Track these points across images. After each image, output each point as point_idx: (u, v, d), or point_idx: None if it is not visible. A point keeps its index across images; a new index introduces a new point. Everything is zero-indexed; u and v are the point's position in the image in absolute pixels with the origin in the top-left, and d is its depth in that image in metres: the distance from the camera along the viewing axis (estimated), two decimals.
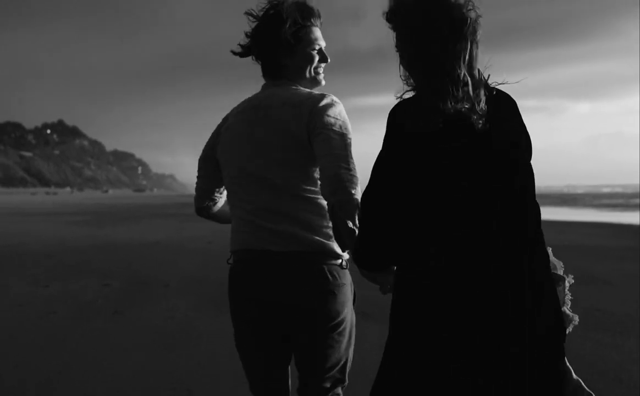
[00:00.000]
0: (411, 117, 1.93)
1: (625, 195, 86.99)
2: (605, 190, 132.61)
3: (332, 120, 2.42)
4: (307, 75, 2.62)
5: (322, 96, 2.48)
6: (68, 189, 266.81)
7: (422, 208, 1.93)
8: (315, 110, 2.43)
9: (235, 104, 2.75)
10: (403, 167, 1.92)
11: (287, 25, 2.52)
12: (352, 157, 2.39)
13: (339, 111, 2.46)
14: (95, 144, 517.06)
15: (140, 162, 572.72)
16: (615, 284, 9.68)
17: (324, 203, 2.45)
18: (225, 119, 2.75)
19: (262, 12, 2.59)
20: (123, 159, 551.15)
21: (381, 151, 1.98)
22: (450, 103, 1.90)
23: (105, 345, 6.16)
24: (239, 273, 2.64)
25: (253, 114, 2.58)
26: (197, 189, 2.94)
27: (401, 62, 2.08)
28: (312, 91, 2.58)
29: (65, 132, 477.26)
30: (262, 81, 2.67)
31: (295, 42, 2.55)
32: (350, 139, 2.43)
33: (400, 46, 2.06)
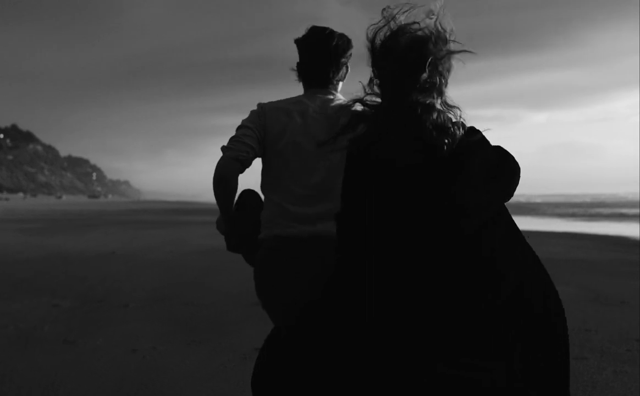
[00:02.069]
0: None
1: (584, 204, 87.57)
2: (561, 200, 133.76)
3: None
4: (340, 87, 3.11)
5: None
6: (21, 194, 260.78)
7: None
8: None
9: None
10: None
11: (336, 42, 3.01)
12: None
13: None
14: (50, 149, 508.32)
15: (95, 168, 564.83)
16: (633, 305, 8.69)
17: None
18: (275, 110, 2.97)
19: (316, 32, 3.04)
20: (77, 164, 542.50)
21: None
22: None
23: (49, 389, 4.92)
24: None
25: (306, 113, 2.94)
26: (237, 143, 2.89)
27: None
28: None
29: (19, 137, 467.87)
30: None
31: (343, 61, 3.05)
32: None
33: None
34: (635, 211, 56.52)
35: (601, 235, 24.74)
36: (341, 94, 3.04)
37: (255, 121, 2.93)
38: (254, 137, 2.89)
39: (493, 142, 2.32)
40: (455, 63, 2.33)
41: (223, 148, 2.88)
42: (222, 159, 2.84)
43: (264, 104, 2.97)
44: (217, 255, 15.21)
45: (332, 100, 2.97)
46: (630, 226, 32.51)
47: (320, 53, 2.99)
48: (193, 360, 5.74)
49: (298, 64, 3.07)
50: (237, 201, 3.02)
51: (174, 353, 6.00)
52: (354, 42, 3.00)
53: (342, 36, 3.01)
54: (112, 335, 6.72)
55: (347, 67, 3.06)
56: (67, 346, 6.24)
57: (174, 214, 49.95)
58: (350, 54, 3.03)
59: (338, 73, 3.03)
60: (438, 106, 2.26)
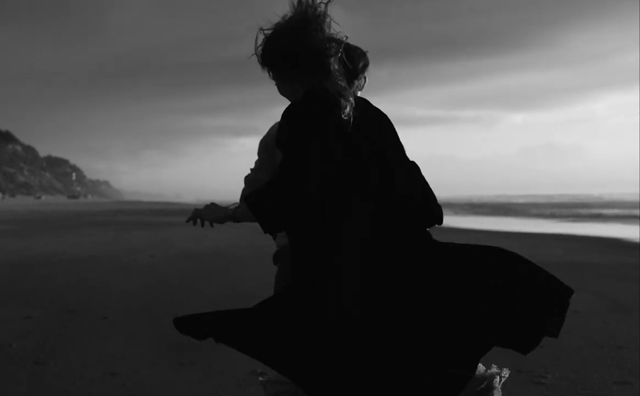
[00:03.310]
0: None
1: (569, 205, 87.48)
2: (543, 200, 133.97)
3: None
4: None
5: None
6: None
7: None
8: None
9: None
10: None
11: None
12: None
13: None
14: (29, 149, 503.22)
15: (75, 169, 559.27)
16: None
17: None
18: None
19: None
20: (57, 165, 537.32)
21: None
22: None
23: None
24: None
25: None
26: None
27: None
28: None
29: None
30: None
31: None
32: None
33: None
34: (617, 211, 56.60)
35: (596, 237, 24.13)
36: None
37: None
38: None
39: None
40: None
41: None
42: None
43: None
44: (202, 258, 14.52)
45: None
46: (622, 227, 32.08)
47: None
48: (181, 387, 4.99)
49: None
50: None
51: (159, 377, 5.23)
52: None
53: (357, 49, 3.01)
54: (89, 354, 5.93)
55: (364, 79, 3.08)
56: (38, 369, 5.45)
57: (156, 215, 48.88)
58: (365, 65, 3.04)
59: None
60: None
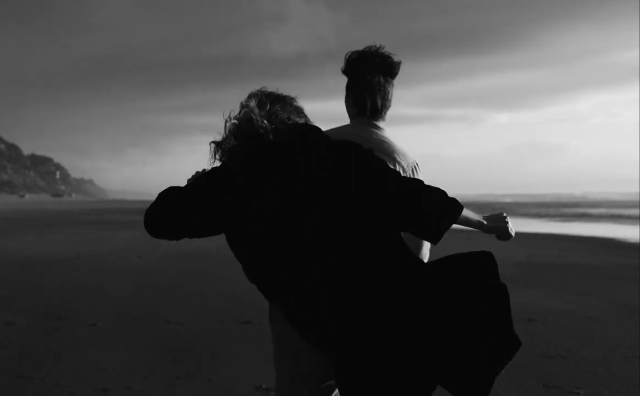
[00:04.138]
0: None
1: (555, 204, 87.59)
2: (528, 200, 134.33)
3: None
4: None
5: None
6: None
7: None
8: None
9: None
10: None
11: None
12: None
13: None
14: (12, 147, 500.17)
15: (59, 167, 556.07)
16: None
17: None
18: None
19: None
20: (41, 163, 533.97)
21: None
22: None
23: None
24: None
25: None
26: None
27: None
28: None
29: None
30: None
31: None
32: None
33: None
34: (602, 210, 56.71)
35: (588, 237, 23.86)
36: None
37: None
38: None
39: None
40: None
41: None
42: None
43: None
44: (191, 259, 14.09)
45: None
46: (611, 226, 31.87)
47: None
48: None
49: None
50: None
51: (154, 393, 4.79)
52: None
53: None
54: (77, 366, 5.47)
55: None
56: (21, 384, 4.99)
57: (142, 214, 48.10)
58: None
59: None
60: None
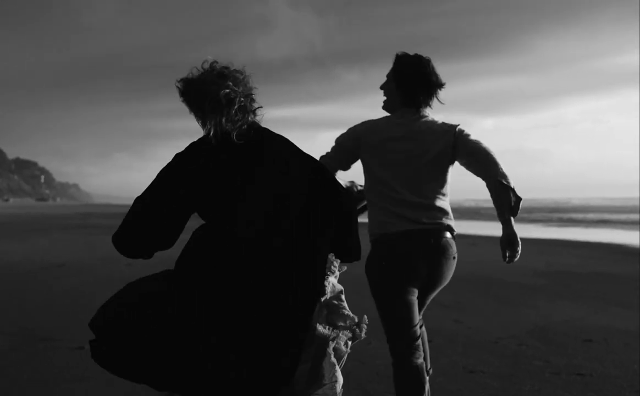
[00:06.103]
0: None
1: (543, 209, 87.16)
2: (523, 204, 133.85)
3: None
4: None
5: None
6: None
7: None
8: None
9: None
10: None
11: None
12: None
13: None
14: None
15: (43, 171, 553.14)
16: None
17: None
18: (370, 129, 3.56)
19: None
20: (25, 167, 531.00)
21: None
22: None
23: None
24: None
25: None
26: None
27: None
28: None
29: None
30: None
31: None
32: None
33: None
34: (592, 216, 56.38)
35: (595, 243, 22.88)
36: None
37: (347, 146, 3.72)
38: (337, 160, 3.75)
39: None
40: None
41: None
42: None
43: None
44: None
45: None
46: (614, 232, 31.06)
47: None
48: None
49: None
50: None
51: None
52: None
53: None
54: None
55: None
56: None
57: None
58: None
59: None
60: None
